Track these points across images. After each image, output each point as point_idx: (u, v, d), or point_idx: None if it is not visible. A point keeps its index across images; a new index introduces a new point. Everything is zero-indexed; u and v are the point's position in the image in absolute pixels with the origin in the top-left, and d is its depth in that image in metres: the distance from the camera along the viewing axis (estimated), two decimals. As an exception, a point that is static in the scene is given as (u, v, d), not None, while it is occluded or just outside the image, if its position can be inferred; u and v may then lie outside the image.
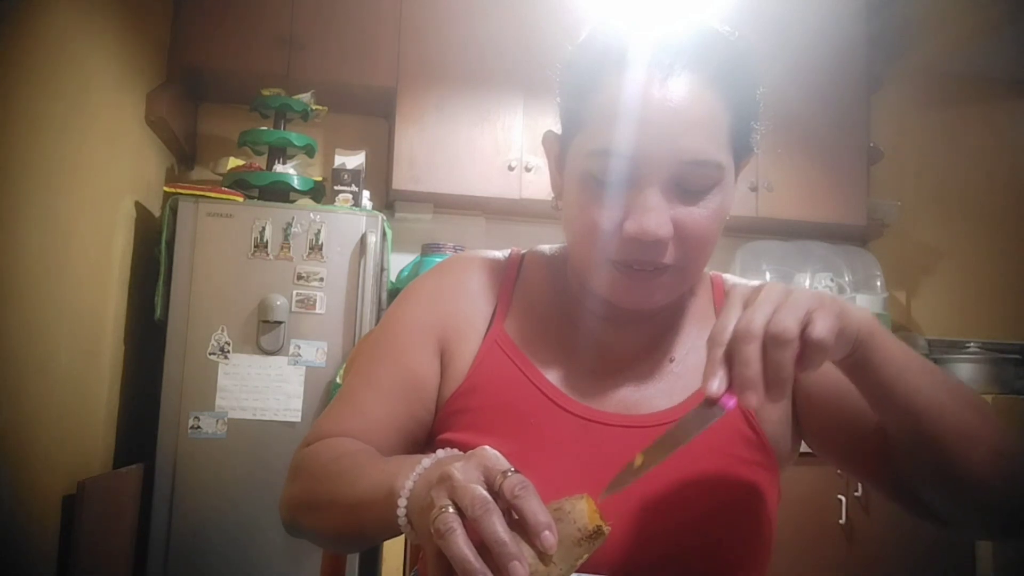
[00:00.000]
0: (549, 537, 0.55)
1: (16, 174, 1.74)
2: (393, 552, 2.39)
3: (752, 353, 0.61)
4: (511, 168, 2.98)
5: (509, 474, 0.57)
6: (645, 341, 0.88)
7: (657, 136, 0.74)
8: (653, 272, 0.78)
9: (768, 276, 3.17)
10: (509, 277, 0.93)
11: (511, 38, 3.00)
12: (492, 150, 2.98)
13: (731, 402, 0.63)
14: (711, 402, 0.63)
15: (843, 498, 2.62)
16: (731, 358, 0.62)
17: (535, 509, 0.56)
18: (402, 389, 0.87)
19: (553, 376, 0.86)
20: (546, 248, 0.98)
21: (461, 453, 0.63)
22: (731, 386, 0.62)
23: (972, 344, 3.19)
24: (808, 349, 0.62)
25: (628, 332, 0.88)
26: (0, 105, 1.67)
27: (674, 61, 0.74)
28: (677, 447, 0.65)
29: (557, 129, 0.86)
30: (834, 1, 3.25)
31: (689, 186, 0.76)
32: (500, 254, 0.97)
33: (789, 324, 0.61)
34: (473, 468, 0.58)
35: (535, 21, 2.99)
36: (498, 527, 0.54)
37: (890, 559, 2.68)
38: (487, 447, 0.60)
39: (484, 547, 0.55)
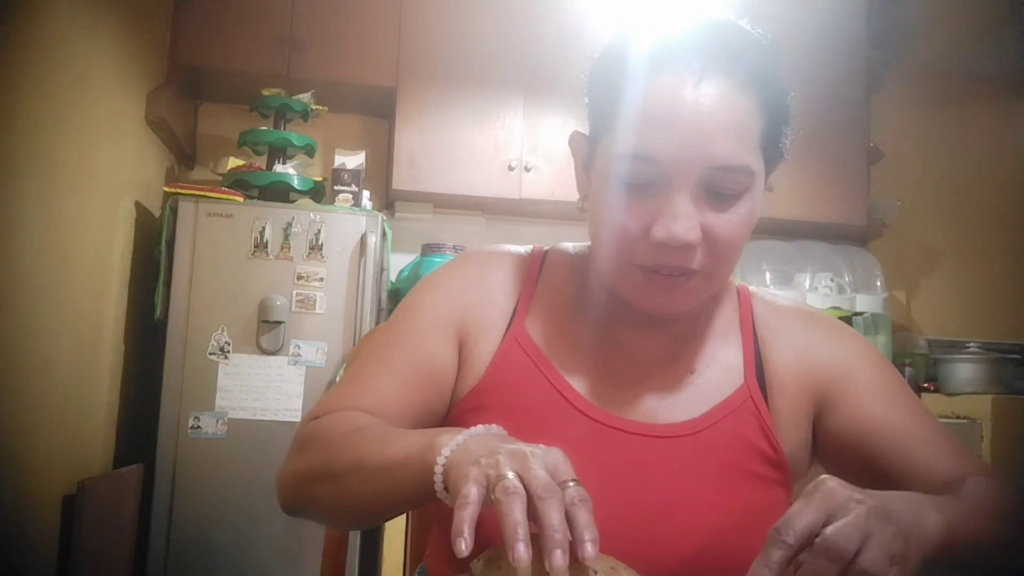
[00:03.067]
0: (590, 548, 0.56)
1: (16, 174, 1.74)
2: (393, 552, 2.39)
3: (833, 574, 0.55)
4: (511, 168, 2.98)
5: (573, 483, 0.59)
6: (666, 349, 0.87)
7: (688, 141, 0.73)
8: (680, 278, 0.77)
9: (768, 276, 3.17)
10: (531, 274, 0.91)
11: (511, 38, 3.00)
12: (492, 150, 2.98)
13: None
14: None
15: (843, 498, 2.62)
16: (788, 566, 0.57)
17: (588, 522, 0.57)
18: (418, 375, 0.85)
19: (573, 379, 0.84)
20: (569, 246, 0.96)
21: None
22: None
23: (972, 344, 3.19)
24: None
25: (650, 339, 0.87)
26: (0, 105, 1.67)
27: (706, 64, 0.73)
28: None
29: (583, 129, 0.85)
30: (834, 1, 3.25)
31: (719, 191, 0.75)
32: (523, 249, 0.95)
33: (882, 569, 0.55)
34: (550, 459, 0.60)
35: (535, 21, 2.99)
36: (558, 514, 0.56)
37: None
38: (560, 450, 0.62)
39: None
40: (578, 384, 0.84)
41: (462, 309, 0.88)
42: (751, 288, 0.95)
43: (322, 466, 0.78)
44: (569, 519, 0.57)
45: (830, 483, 0.59)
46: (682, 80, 0.73)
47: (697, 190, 0.74)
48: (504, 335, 0.87)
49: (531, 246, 0.95)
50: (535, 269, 0.92)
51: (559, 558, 0.55)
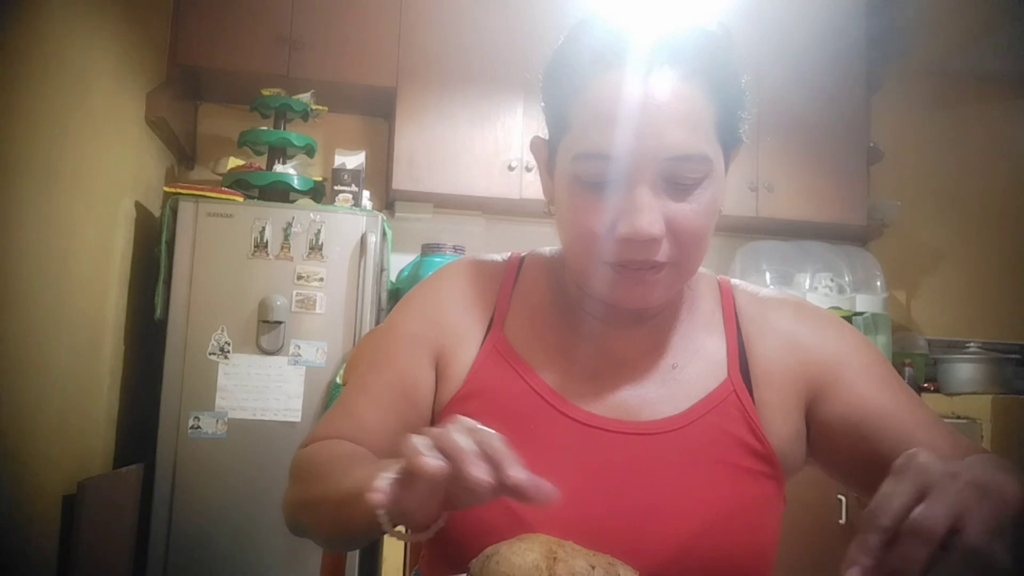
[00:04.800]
0: (514, 470, 0.57)
1: (16, 174, 1.74)
2: (393, 552, 2.39)
3: (923, 556, 0.53)
4: (511, 168, 2.98)
5: (482, 431, 0.59)
6: (647, 345, 0.87)
7: (642, 134, 0.74)
8: (650, 271, 0.78)
9: (768, 276, 3.17)
10: (508, 280, 0.92)
11: (511, 38, 3.00)
12: (492, 150, 2.98)
13: None
14: None
15: (843, 498, 2.62)
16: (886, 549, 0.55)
17: (502, 448, 0.58)
18: (393, 395, 0.87)
19: (553, 381, 0.85)
20: (546, 250, 0.97)
21: None
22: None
23: (972, 344, 3.19)
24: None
25: (630, 335, 0.87)
26: (0, 105, 1.67)
27: (653, 58, 0.74)
28: None
29: (544, 134, 0.86)
30: (834, 1, 3.25)
31: (679, 181, 0.76)
32: (499, 257, 0.96)
33: (984, 537, 0.53)
34: (451, 423, 0.61)
35: (535, 21, 2.99)
36: (458, 436, 0.57)
37: (890, 559, 2.67)
38: (461, 416, 0.62)
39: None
40: (559, 385, 0.85)
41: (435, 325, 0.89)
42: (733, 281, 0.95)
43: (301, 497, 0.80)
44: (482, 448, 0.58)
45: (921, 457, 0.57)
46: (629, 76, 0.74)
47: (656, 182, 0.75)
48: (482, 343, 0.87)
49: (508, 254, 0.97)
50: (511, 275, 0.93)
51: (477, 472, 0.56)
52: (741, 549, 0.80)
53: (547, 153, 0.85)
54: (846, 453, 0.84)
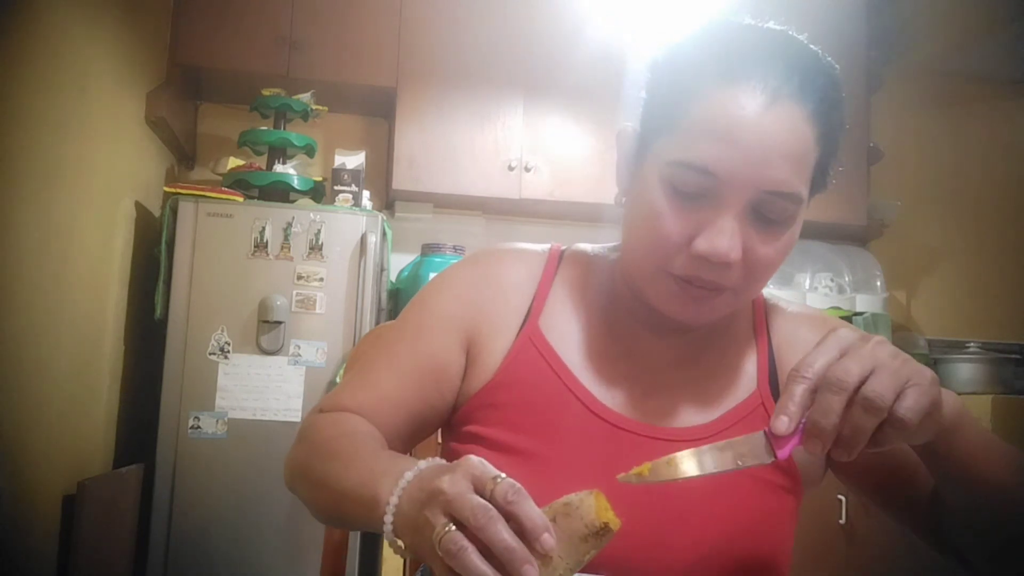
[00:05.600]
0: (548, 540, 0.55)
1: (15, 174, 1.74)
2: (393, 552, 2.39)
3: (837, 405, 0.61)
4: (511, 168, 2.98)
5: (499, 480, 0.56)
6: (681, 353, 0.87)
7: (749, 161, 0.72)
8: (711, 292, 0.77)
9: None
10: (548, 273, 0.91)
11: (511, 38, 3.00)
12: (492, 150, 2.98)
13: (784, 451, 0.64)
14: (771, 438, 0.65)
15: (843, 498, 2.62)
16: (810, 401, 0.63)
17: (530, 513, 0.55)
18: (418, 371, 0.86)
19: (587, 380, 0.84)
20: (588, 247, 0.95)
21: (444, 463, 0.63)
22: (795, 429, 0.64)
23: (972, 344, 3.19)
24: (890, 423, 0.62)
25: (666, 342, 0.87)
26: (0, 105, 1.67)
27: (780, 87, 0.73)
28: (708, 471, 0.66)
29: (626, 124, 0.84)
30: (834, 1, 3.25)
31: (766, 214, 0.75)
32: (539, 248, 0.94)
33: (886, 392, 0.61)
34: (461, 479, 0.57)
35: (535, 21, 2.99)
36: (504, 534, 0.54)
37: (890, 559, 2.67)
38: (471, 456, 0.60)
39: (488, 551, 0.54)
40: (592, 385, 0.84)
41: (473, 307, 0.88)
42: (764, 294, 0.94)
43: (303, 468, 0.80)
44: (512, 517, 0.55)
45: (843, 330, 0.66)
46: (754, 99, 0.73)
47: (745, 210, 0.74)
48: (518, 334, 0.86)
49: (548, 245, 0.95)
50: (552, 268, 0.92)
51: (530, 572, 0.54)
52: (759, 562, 0.80)
53: (636, 146, 0.82)
54: (862, 466, 0.84)
